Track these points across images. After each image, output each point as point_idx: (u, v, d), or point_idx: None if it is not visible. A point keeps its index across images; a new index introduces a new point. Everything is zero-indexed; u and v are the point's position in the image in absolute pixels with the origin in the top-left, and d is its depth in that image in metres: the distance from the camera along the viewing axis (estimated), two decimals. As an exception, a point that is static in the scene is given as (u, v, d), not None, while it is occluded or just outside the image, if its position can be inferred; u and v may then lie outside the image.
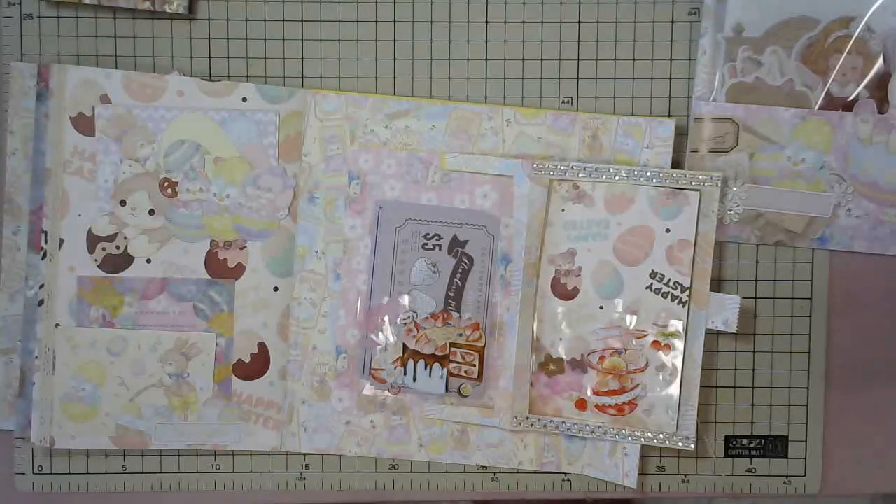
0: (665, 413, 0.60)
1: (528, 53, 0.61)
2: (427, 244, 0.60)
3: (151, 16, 0.61)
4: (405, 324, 0.61)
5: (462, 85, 0.61)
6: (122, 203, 0.60)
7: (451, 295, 0.60)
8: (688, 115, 0.60)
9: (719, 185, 0.59)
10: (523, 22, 0.61)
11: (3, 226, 0.61)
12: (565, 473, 0.62)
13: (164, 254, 0.61)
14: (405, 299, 0.61)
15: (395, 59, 0.61)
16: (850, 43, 0.58)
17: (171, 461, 0.63)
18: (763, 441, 0.62)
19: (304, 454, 0.62)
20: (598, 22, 0.61)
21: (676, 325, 0.59)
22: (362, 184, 0.60)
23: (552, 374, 0.60)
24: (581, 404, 0.60)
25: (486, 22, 0.61)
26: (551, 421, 0.60)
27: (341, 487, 0.63)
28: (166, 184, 0.60)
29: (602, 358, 0.60)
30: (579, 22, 0.61)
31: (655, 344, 0.60)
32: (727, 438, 0.62)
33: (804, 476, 0.62)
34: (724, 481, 0.62)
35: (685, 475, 0.62)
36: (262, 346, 0.61)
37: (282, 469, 0.63)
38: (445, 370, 0.61)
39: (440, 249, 0.60)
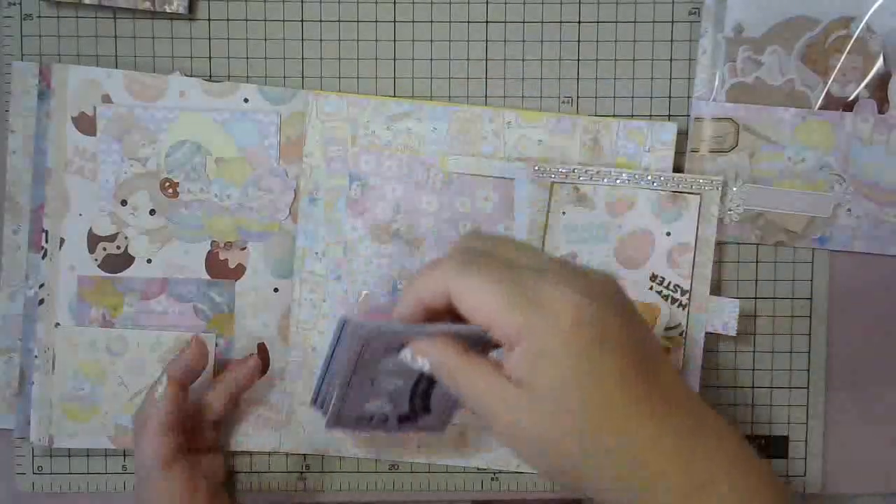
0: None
1: (528, 53, 0.61)
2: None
3: (151, 16, 0.61)
4: (405, 324, 0.60)
5: (462, 85, 0.61)
6: (123, 203, 0.60)
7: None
8: (688, 115, 0.60)
9: (720, 188, 0.59)
10: (523, 22, 0.61)
11: (3, 225, 0.61)
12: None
13: (165, 254, 0.61)
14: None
15: (395, 59, 0.61)
16: (851, 43, 0.58)
17: (171, 461, 0.63)
18: (763, 441, 0.62)
19: (304, 454, 0.62)
20: (598, 22, 0.61)
21: (676, 327, 0.59)
22: (363, 185, 0.60)
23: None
24: (581, 404, 0.60)
25: (486, 22, 0.61)
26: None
27: (341, 487, 0.63)
28: (167, 184, 0.60)
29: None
30: (579, 22, 0.61)
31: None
32: (727, 438, 0.62)
33: (804, 476, 0.62)
34: (724, 481, 0.62)
35: (685, 475, 0.62)
36: (262, 347, 0.61)
37: (282, 469, 0.63)
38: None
39: (441, 251, 0.60)
